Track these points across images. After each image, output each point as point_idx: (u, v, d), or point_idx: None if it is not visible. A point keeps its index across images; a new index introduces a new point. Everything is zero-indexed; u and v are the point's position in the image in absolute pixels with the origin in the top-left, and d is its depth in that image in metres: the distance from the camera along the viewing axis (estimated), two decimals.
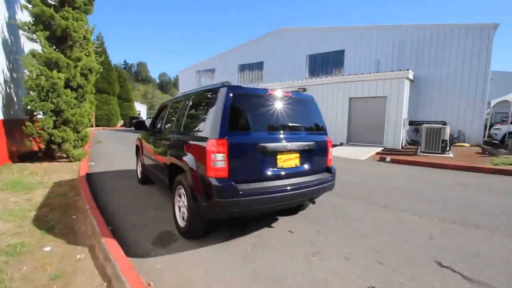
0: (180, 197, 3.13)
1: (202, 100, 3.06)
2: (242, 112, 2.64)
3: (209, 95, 2.92)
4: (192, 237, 2.90)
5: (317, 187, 2.93)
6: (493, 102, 14.77)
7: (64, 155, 7.64)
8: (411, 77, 13.42)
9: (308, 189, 2.84)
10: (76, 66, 7.33)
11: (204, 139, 2.60)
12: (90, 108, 8.09)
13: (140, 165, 5.40)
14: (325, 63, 18.55)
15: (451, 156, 9.31)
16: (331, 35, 17.87)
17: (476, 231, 3.27)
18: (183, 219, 3.02)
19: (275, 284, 2.18)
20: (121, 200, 4.38)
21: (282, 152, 2.79)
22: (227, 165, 2.48)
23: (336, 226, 3.35)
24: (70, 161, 7.42)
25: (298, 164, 2.92)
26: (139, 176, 5.47)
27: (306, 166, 3.01)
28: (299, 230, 3.22)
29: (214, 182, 2.45)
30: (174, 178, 3.28)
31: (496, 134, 14.15)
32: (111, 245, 2.55)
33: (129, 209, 3.98)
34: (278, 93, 2.97)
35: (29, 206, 3.84)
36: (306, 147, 2.95)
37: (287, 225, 3.36)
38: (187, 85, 26.95)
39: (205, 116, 2.84)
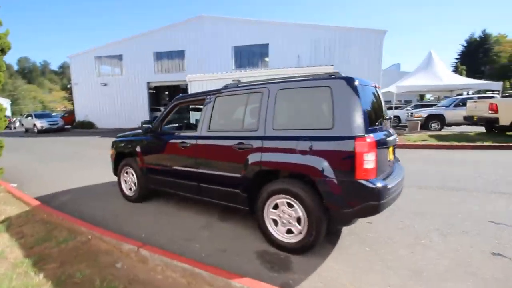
0: (275, 208, 2.67)
1: (300, 94, 2.63)
2: (365, 105, 2.45)
3: (313, 88, 2.55)
4: (308, 250, 2.54)
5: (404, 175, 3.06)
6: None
7: None
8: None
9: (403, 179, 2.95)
10: None
11: (341, 138, 2.29)
12: None
13: (131, 178, 4.19)
14: (251, 56, 18.92)
15: None
16: (256, 28, 18.31)
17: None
18: (288, 233, 2.61)
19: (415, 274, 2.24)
20: (147, 228, 3.32)
21: (389, 146, 2.77)
22: (376, 165, 2.29)
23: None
24: None
25: (392, 158, 2.98)
26: (129, 192, 4.24)
27: (394, 158, 3.12)
28: (409, 225, 3.32)
29: (369, 184, 2.22)
30: (256, 187, 2.76)
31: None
32: None
33: (178, 240, 3.08)
34: (376, 84, 2.91)
35: (21, 270, 2.36)
36: (395, 139, 3.03)
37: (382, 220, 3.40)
38: (83, 74, 22.10)
39: (318, 112, 2.48)
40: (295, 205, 2.54)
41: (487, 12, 72.63)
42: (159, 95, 27.07)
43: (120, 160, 4.40)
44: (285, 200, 2.60)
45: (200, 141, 3.21)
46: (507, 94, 19.92)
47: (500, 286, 2.11)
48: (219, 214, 3.66)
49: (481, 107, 10.03)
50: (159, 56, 20.28)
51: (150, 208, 3.94)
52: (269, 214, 2.73)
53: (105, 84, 21.69)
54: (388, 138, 2.74)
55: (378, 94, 2.92)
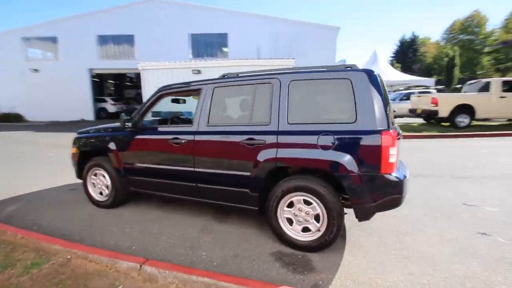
0: (290, 206, 2.52)
1: (316, 86, 2.49)
2: (384, 98, 2.43)
3: (330, 80, 2.44)
4: (326, 247, 2.47)
5: None
6: None
7: None
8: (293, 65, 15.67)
9: None
10: None
11: (366, 132, 2.23)
12: None
13: (102, 181, 3.59)
14: (209, 45, 18.17)
15: None
16: (214, 16, 17.58)
17: None
18: (305, 231, 2.50)
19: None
20: (136, 239, 2.85)
21: (399, 138, 2.82)
22: (396, 158, 2.30)
23: None
24: None
25: None
26: (100, 196, 3.64)
27: None
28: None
29: (393, 178, 2.21)
30: (267, 185, 2.58)
31: None
32: None
33: (179, 249, 2.72)
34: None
35: None
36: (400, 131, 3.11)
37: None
38: (7, 58, 18.54)
39: (338, 106, 2.38)
40: (313, 202, 2.44)
41: (416, 16, 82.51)
42: (103, 84, 24.40)
43: (85, 160, 3.74)
44: (302, 197, 2.48)
45: (198, 137, 2.86)
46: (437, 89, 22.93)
47: (499, 262, 2.33)
48: (213, 215, 3.38)
49: (423, 101, 11.29)
50: (103, 40, 18.10)
51: (130, 214, 3.43)
52: (283, 213, 2.58)
53: (36, 71, 18.58)
54: (399, 131, 2.81)
55: (385, 86, 2.97)
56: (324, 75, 2.49)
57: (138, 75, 28.40)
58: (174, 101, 3.87)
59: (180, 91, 3.23)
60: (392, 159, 2.22)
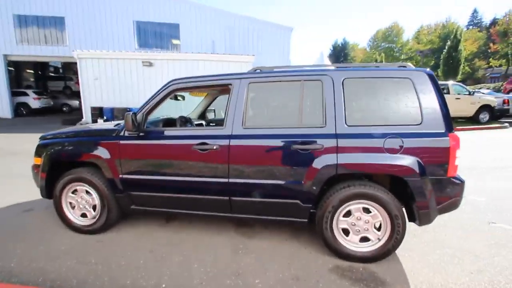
0: (346, 215, 2.30)
1: (372, 85, 2.28)
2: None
3: (388, 80, 2.28)
4: (386, 257, 2.32)
5: None
6: None
7: None
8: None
9: None
10: None
11: (434, 134, 2.14)
12: None
13: (85, 200, 2.78)
14: (158, 36, 16.60)
15: None
16: (164, 4, 16.08)
17: None
18: (362, 241, 2.31)
19: None
20: (160, 273, 2.23)
21: None
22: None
23: None
24: None
25: None
26: (82, 220, 2.81)
27: None
28: None
29: (457, 181, 2.19)
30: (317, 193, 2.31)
31: None
32: None
33: (222, 279, 2.21)
34: None
35: None
36: None
37: None
38: None
39: (401, 106, 2.23)
40: (374, 210, 2.27)
41: (346, 22, 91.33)
42: (20, 75, 20.21)
43: (57, 173, 2.85)
44: (361, 205, 2.28)
45: (234, 142, 2.39)
46: None
47: None
48: (236, 229, 2.94)
49: None
50: (23, 20, 14.84)
51: (131, 240, 2.73)
52: (339, 223, 2.34)
53: None
54: None
55: None
56: (381, 73, 2.33)
57: (65, 65, 24.59)
58: (173, 97, 3.23)
59: (199, 86, 2.68)
60: (457, 161, 2.19)
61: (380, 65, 2.51)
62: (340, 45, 60.73)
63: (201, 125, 3.99)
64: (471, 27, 48.46)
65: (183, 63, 13.18)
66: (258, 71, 2.62)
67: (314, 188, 2.29)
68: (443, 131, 2.16)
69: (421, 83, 2.24)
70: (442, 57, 29.01)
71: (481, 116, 12.06)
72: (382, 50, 51.40)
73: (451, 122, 2.21)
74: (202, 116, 4.19)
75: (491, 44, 39.96)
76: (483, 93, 16.19)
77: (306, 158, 2.28)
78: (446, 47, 28.93)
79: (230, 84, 2.53)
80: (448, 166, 2.15)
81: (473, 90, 14.33)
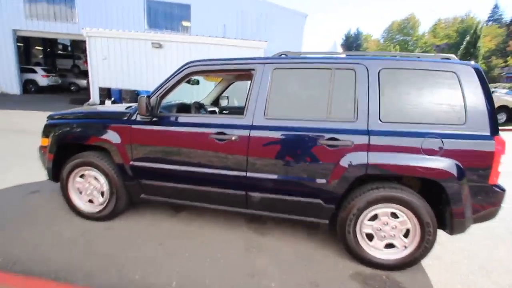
0: (372, 219, 2.13)
1: (412, 77, 2.05)
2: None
3: (430, 72, 2.04)
4: (413, 265, 2.16)
5: None
6: None
7: None
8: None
9: None
10: None
11: (479, 137, 1.92)
12: None
13: (94, 185, 2.65)
14: (169, 17, 16.15)
15: None
16: None
17: None
18: (387, 247, 2.15)
19: None
20: (171, 268, 2.11)
21: None
22: None
23: None
24: None
25: None
26: (89, 206, 2.70)
27: None
28: None
29: (498, 189, 1.98)
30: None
31: None
32: None
33: (236, 279, 2.08)
34: None
35: None
36: None
37: None
38: None
39: (442, 103, 2.00)
40: (403, 215, 2.09)
41: (360, 11, 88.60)
42: (29, 51, 20.06)
43: (64, 156, 2.71)
44: (389, 209, 2.10)
45: (255, 133, 2.20)
46: None
47: None
48: (247, 224, 2.80)
49: None
50: None
51: (139, 229, 2.60)
52: (363, 227, 2.17)
53: None
54: None
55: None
56: (423, 64, 2.08)
57: (74, 43, 24.30)
58: (191, 82, 3.02)
59: (218, 70, 2.46)
60: (500, 168, 1.98)
61: (420, 55, 2.26)
62: (353, 35, 59.04)
63: (214, 112, 3.79)
64: (490, 22, 46.58)
65: (193, 46, 12.82)
66: (284, 56, 2.39)
67: (340, 188, 2.10)
68: (488, 133, 1.94)
69: (468, 78, 2.00)
70: (460, 53, 27.93)
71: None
72: (397, 42, 49.88)
73: (497, 124, 1.98)
74: (215, 102, 3.99)
75: (510, 42, 38.42)
76: (500, 92, 15.61)
77: (332, 155, 2.08)
78: (465, 43, 27.86)
79: (253, 69, 2.31)
80: (491, 172, 1.94)
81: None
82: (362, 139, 2.04)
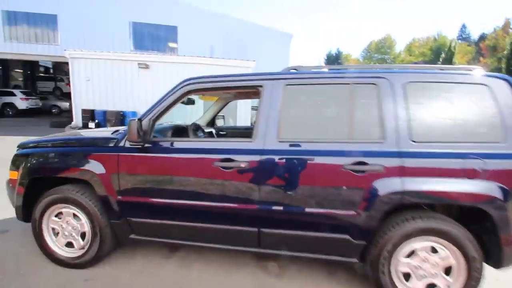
0: (409, 256, 1.82)
1: (440, 91, 1.84)
2: None
3: (460, 85, 1.84)
4: None
5: None
6: None
7: None
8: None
9: None
10: None
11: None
12: None
13: (71, 225, 2.21)
14: (156, 38, 16.08)
15: None
16: (162, 5, 15.62)
17: None
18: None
19: None
20: None
21: None
22: None
23: None
24: None
25: None
26: (67, 250, 2.25)
27: None
28: None
29: None
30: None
31: None
32: None
33: None
34: None
35: None
36: None
37: None
38: None
39: (476, 119, 1.78)
40: (444, 250, 1.79)
41: (340, 33, 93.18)
42: (7, 74, 19.29)
43: (37, 191, 2.28)
44: (429, 243, 1.80)
45: (266, 158, 1.89)
46: None
47: None
48: (256, 262, 2.41)
49: None
50: (12, 16, 14.08)
51: (126, 279, 2.16)
52: (399, 265, 1.85)
53: None
54: None
55: None
56: (452, 77, 1.89)
57: (56, 65, 23.69)
58: (185, 101, 2.71)
59: (220, 87, 2.18)
60: None
61: (444, 67, 2.08)
62: (334, 55, 61.45)
63: (211, 133, 3.48)
64: (459, 41, 49.86)
65: (181, 67, 12.63)
66: (294, 71, 2.14)
67: (371, 220, 1.80)
68: None
69: (501, 91, 1.81)
70: None
71: None
72: (376, 60, 52.22)
73: None
74: (211, 123, 3.69)
75: (480, 58, 41.00)
76: None
77: (360, 181, 1.79)
78: (441, 59, 29.43)
79: (260, 86, 2.04)
80: None
81: None
82: (393, 162, 1.77)
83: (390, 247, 1.80)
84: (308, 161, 1.87)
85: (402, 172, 1.75)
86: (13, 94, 15.32)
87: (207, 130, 3.43)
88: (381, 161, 1.78)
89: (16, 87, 18.64)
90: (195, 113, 6.84)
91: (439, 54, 31.52)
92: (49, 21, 14.50)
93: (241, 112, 12.65)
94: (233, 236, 2.03)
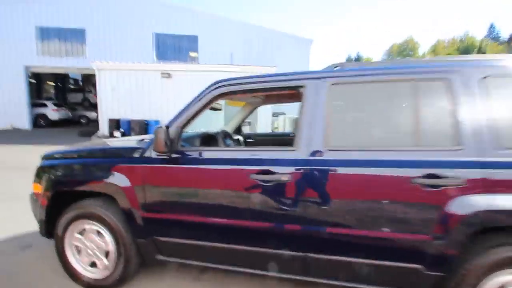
0: None
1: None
2: None
3: None
4: None
5: None
6: None
7: None
8: None
9: None
10: None
11: None
12: None
13: (96, 244, 2.04)
14: (177, 48, 16.41)
15: None
16: (183, 17, 16.00)
17: None
18: None
19: None
20: None
21: None
22: None
23: None
24: None
25: None
26: (91, 271, 2.07)
27: None
28: None
29: None
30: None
31: None
32: None
33: None
34: None
35: None
36: None
37: None
38: None
39: None
40: None
41: (360, 37, 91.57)
42: (41, 86, 20.47)
43: (60, 206, 2.13)
44: None
45: (312, 170, 1.61)
46: None
47: None
48: (294, 285, 2.11)
49: None
50: (45, 32, 14.94)
51: None
52: None
53: None
54: None
55: None
56: None
57: (85, 77, 24.93)
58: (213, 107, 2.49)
59: (254, 89, 1.93)
60: None
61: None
62: (354, 59, 60.30)
63: (238, 141, 3.25)
64: (488, 40, 47.22)
65: (201, 75, 12.70)
66: (339, 68, 1.86)
67: (449, 246, 1.45)
68: None
69: None
70: None
71: None
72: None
73: None
74: (238, 130, 3.46)
75: None
76: None
77: (433, 198, 1.46)
78: None
79: (302, 86, 1.77)
80: None
81: None
82: (475, 174, 1.42)
83: (474, 280, 1.44)
84: (365, 173, 1.57)
85: (487, 186, 1.40)
86: (45, 106, 16.16)
87: (235, 137, 3.20)
88: (459, 172, 1.44)
89: (48, 98, 19.71)
90: (217, 119, 6.69)
91: (467, 55, 29.91)
92: (78, 35, 15.24)
93: (262, 119, 12.48)
94: (275, 261, 1.75)
